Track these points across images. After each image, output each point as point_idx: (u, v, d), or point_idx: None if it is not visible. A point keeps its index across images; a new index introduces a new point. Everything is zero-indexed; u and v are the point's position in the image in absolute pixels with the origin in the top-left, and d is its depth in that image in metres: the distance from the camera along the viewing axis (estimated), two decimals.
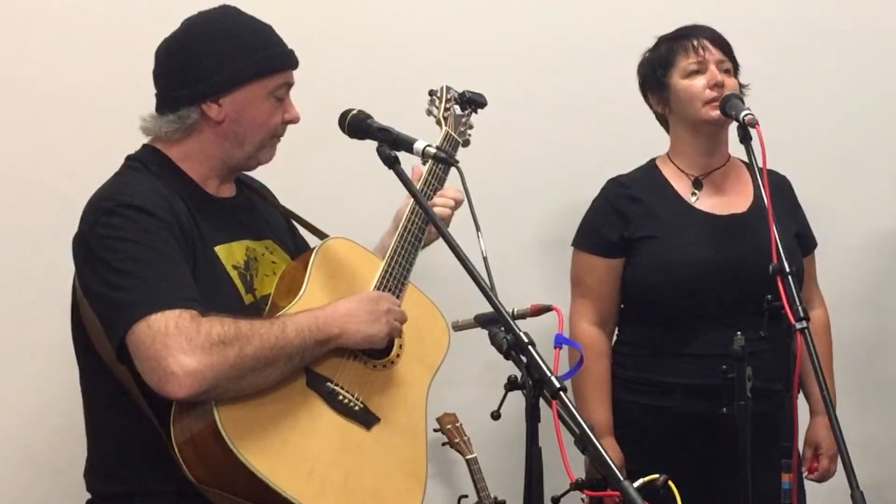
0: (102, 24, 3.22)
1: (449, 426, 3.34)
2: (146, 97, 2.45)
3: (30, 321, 3.14)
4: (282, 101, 2.44)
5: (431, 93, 2.89)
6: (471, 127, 2.90)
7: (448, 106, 2.86)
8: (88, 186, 2.36)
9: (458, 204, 2.69)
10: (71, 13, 3.21)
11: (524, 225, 3.57)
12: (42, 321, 3.05)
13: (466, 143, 2.87)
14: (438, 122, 2.83)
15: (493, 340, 2.02)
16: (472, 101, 2.91)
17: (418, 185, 2.60)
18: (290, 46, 2.47)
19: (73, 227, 2.32)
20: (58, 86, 3.18)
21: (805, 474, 3.17)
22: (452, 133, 2.81)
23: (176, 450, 2.18)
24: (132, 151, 2.45)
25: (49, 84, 3.17)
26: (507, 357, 2.00)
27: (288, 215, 2.67)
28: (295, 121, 2.47)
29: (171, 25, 2.46)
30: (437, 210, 2.62)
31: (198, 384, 2.11)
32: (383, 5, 3.47)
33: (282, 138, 2.49)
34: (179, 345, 2.11)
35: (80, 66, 3.19)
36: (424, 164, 2.64)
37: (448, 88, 2.89)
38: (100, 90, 3.19)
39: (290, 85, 2.46)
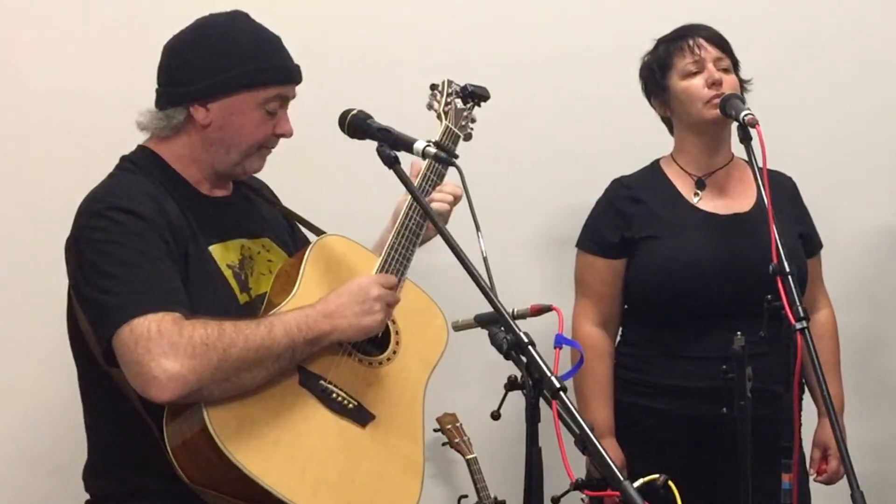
0: (105, 25, 3.22)
1: (449, 426, 3.34)
2: (147, 99, 2.45)
3: (29, 321, 3.14)
4: (274, 114, 2.41)
5: (433, 87, 2.85)
6: (473, 121, 2.87)
7: (449, 100, 2.82)
8: (88, 186, 2.36)
9: (456, 199, 2.65)
10: (73, 14, 3.21)
11: (524, 225, 3.57)
12: (42, 321, 3.02)
13: (468, 137, 2.84)
14: (439, 116, 2.80)
15: (493, 340, 2.02)
16: (475, 95, 2.86)
17: (417, 181, 2.59)
18: (295, 61, 2.44)
19: None
20: (58, 86, 3.17)
21: (814, 476, 3.16)
22: (452, 127, 2.77)
23: (170, 452, 2.18)
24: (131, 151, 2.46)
25: (49, 84, 3.17)
26: (507, 357, 2.00)
27: (287, 214, 2.66)
28: (286, 135, 2.45)
29: (174, 27, 2.46)
30: (434, 205, 2.58)
31: (181, 387, 2.11)
32: (384, 5, 3.47)
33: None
34: (161, 349, 2.10)
35: (82, 66, 3.19)
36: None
37: (450, 82, 2.86)
38: (101, 90, 3.18)
39: (285, 99, 2.43)
